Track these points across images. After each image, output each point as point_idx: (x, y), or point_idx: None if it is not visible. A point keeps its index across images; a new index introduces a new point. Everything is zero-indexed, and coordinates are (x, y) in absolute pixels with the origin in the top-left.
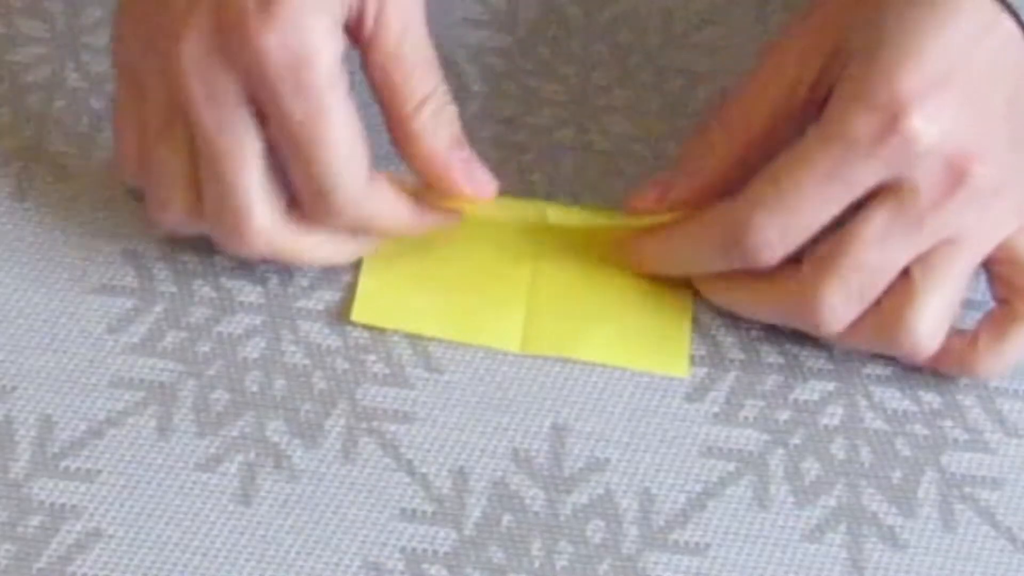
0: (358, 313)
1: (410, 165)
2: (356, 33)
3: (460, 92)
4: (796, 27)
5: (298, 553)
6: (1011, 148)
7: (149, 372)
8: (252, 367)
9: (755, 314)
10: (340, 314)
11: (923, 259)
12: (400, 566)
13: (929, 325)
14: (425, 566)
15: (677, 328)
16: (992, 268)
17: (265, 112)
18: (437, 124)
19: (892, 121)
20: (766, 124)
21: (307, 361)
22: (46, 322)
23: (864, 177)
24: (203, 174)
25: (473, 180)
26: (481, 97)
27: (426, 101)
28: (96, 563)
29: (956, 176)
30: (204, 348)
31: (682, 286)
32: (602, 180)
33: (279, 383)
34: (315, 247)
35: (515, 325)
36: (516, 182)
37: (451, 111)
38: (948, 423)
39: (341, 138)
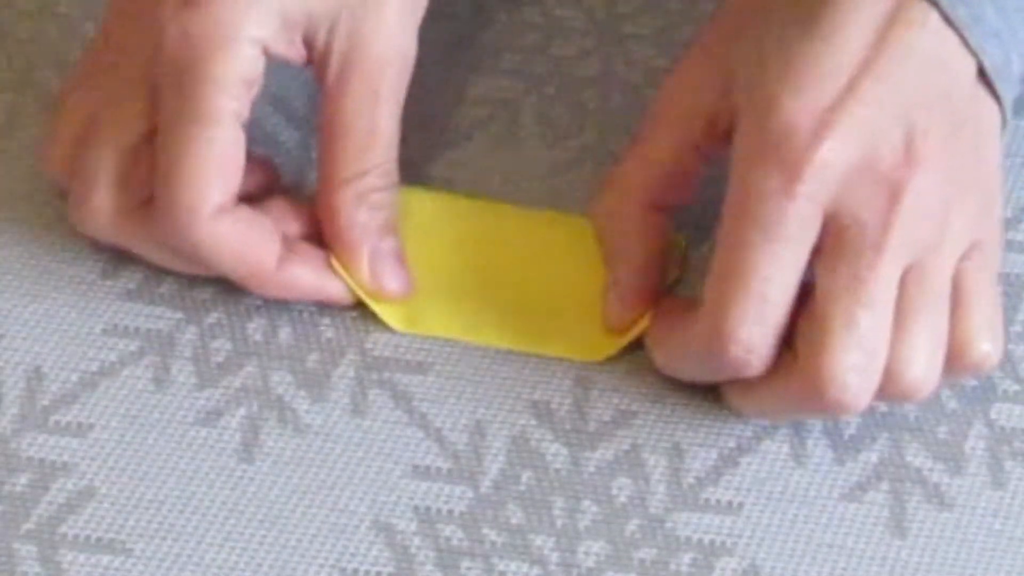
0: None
1: (323, 236)
2: (318, 76)
3: (482, 19)
4: (688, 57)
5: (304, 513)
6: (949, 139)
7: (145, 320)
8: (255, 314)
9: (780, 417)
10: None
11: (901, 294)
12: (412, 526)
13: (922, 360)
14: (439, 526)
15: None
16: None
17: (155, 98)
18: (361, 204)
19: (797, 163)
20: (670, 168)
21: (313, 308)
22: (35, 267)
23: (802, 226)
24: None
25: (378, 276)
26: (500, 24)
27: (359, 178)
28: (88, 523)
29: (890, 195)
30: (204, 294)
31: None
32: (627, 112)
33: (284, 331)
34: (154, 251)
35: (479, 317)
36: (537, 115)
37: (385, 198)
38: (998, 374)
39: (200, 152)
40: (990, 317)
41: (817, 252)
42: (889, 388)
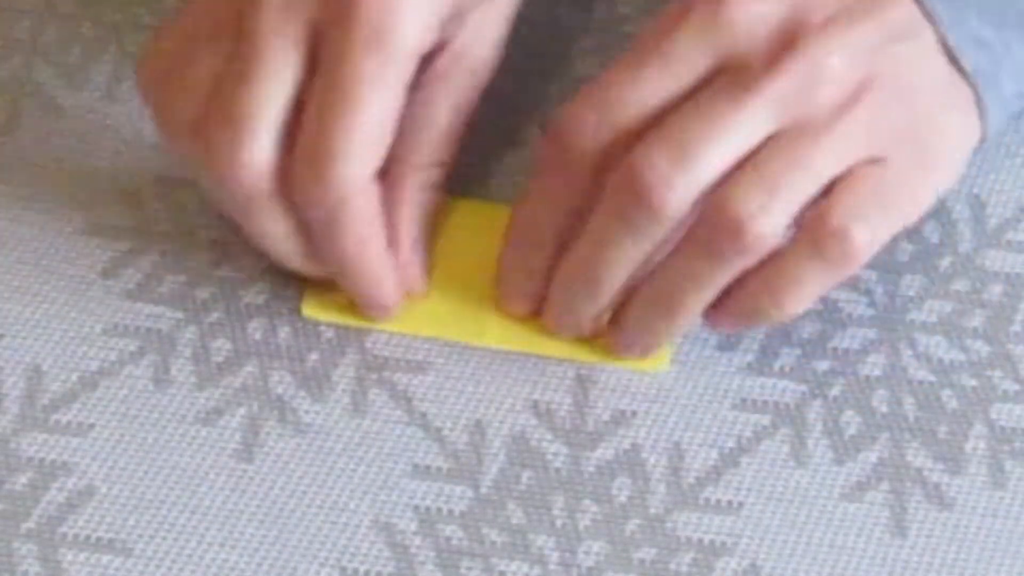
0: (308, 307)
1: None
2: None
3: None
4: None
5: (304, 512)
6: (867, 49)
7: (146, 319)
8: (255, 313)
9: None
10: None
11: (759, 150)
12: (413, 526)
13: (752, 200)
14: (439, 526)
15: None
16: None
17: (320, 57)
18: (424, 193)
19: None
20: None
21: None
22: (35, 266)
23: (687, 53)
24: (224, 79)
25: (411, 263)
26: None
27: (431, 168)
28: (89, 522)
29: (785, 45)
30: (204, 294)
31: None
32: None
33: (284, 331)
34: (282, 232)
35: (480, 319)
36: (537, 113)
37: (433, 195)
38: (998, 373)
39: (376, 114)
40: (865, 208)
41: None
42: (710, 214)
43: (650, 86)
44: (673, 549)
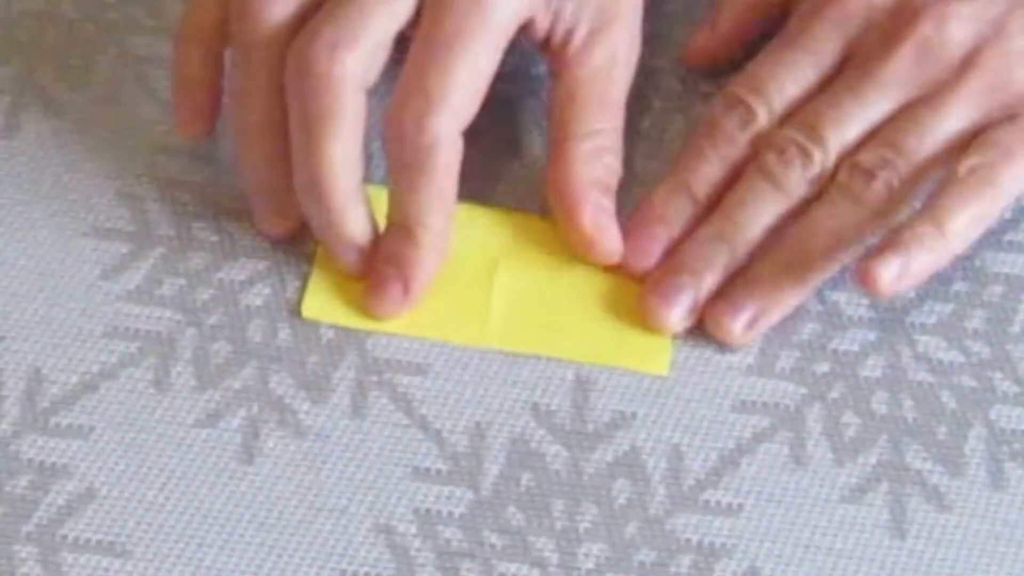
0: (308, 308)
1: (549, 192)
2: (555, 48)
3: None
4: None
5: (304, 515)
6: (988, 7)
7: (145, 321)
8: (255, 315)
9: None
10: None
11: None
12: (413, 528)
13: (878, 159)
14: (439, 528)
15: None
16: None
17: (425, 3)
18: (593, 159)
19: None
20: None
21: None
22: (36, 268)
23: (823, 42)
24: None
25: (599, 228)
26: None
27: (593, 135)
28: (89, 525)
29: (902, 26)
30: (204, 295)
31: None
32: (626, 113)
33: (284, 333)
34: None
35: (481, 321)
36: (536, 118)
37: (613, 161)
38: (998, 375)
39: (472, 71)
40: (1006, 142)
41: None
42: (844, 168)
43: (796, 74)
44: (673, 551)
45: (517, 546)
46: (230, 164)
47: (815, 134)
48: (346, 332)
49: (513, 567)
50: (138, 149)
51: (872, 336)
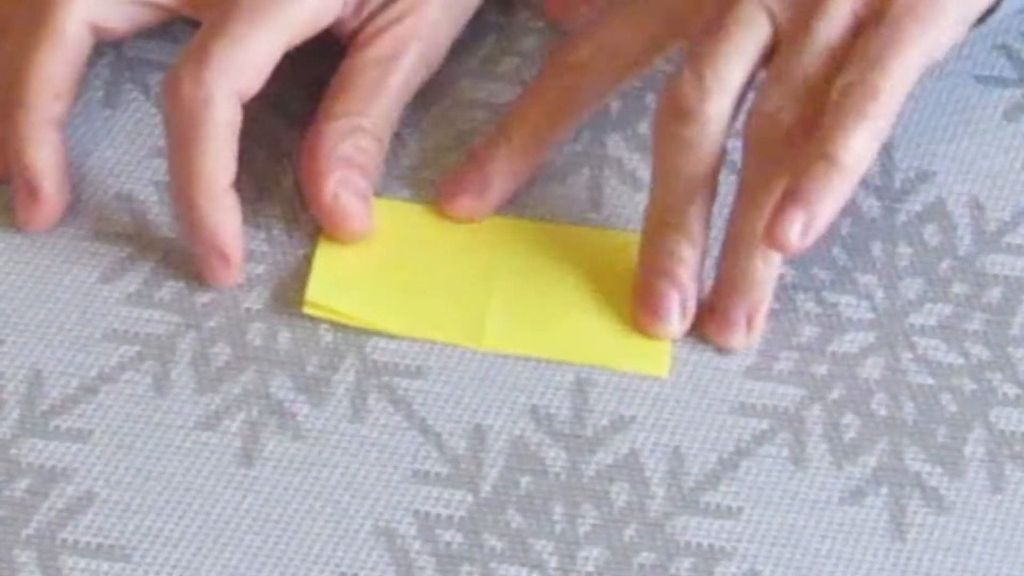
0: (310, 306)
1: (298, 166)
2: (350, 36)
3: (479, 23)
4: None
5: (304, 517)
6: None
7: (145, 324)
8: (254, 319)
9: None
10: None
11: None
12: (412, 531)
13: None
14: (439, 531)
15: None
16: None
17: None
18: (345, 137)
19: None
20: None
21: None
22: (35, 271)
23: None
24: None
25: (339, 202)
26: (498, 29)
27: (352, 116)
28: (89, 528)
29: None
30: (204, 299)
31: None
32: (625, 116)
33: (283, 336)
34: None
35: (476, 321)
36: None
37: (372, 147)
38: (997, 377)
39: (263, 48)
40: (877, 60)
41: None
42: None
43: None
44: (672, 554)
45: (517, 549)
46: None
47: (698, 82)
48: (345, 335)
49: (513, 570)
50: (136, 152)
51: (871, 338)
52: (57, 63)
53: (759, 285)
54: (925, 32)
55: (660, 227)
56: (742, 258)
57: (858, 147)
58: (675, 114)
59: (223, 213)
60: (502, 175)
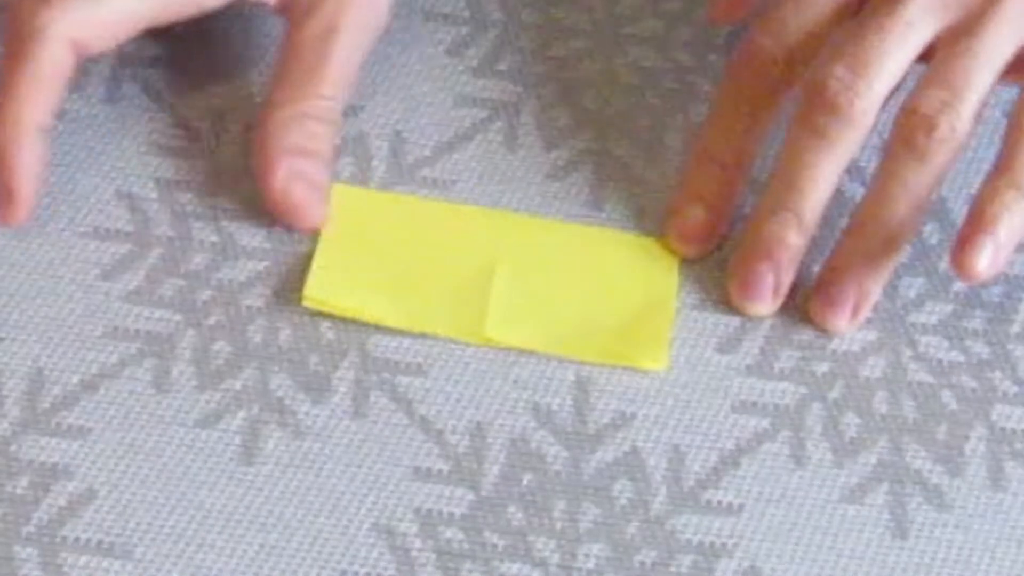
0: (309, 300)
1: (252, 156)
2: (285, 11)
3: (478, 21)
4: None
5: (304, 515)
6: None
7: (145, 322)
8: (255, 316)
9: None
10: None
11: (934, 50)
12: (414, 528)
13: (938, 102)
14: (440, 528)
15: (654, 319)
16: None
17: None
18: (291, 125)
19: None
20: None
21: (314, 310)
22: (35, 269)
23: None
24: None
25: (289, 193)
26: (500, 26)
27: (297, 102)
28: (89, 526)
29: None
30: (204, 296)
31: (663, 273)
32: (627, 114)
33: (284, 333)
34: None
35: (477, 316)
36: (537, 116)
37: (323, 131)
38: (998, 375)
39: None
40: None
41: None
42: (903, 117)
43: (813, 10)
44: (673, 551)
45: (518, 546)
46: (230, 164)
47: (857, 76)
48: (346, 332)
49: (514, 567)
50: (137, 149)
51: (872, 336)
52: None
53: (877, 272)
54: None
55: (775, 208)
56: (868, 243)
57: None
58: (823, 107)
59: (21, 151)
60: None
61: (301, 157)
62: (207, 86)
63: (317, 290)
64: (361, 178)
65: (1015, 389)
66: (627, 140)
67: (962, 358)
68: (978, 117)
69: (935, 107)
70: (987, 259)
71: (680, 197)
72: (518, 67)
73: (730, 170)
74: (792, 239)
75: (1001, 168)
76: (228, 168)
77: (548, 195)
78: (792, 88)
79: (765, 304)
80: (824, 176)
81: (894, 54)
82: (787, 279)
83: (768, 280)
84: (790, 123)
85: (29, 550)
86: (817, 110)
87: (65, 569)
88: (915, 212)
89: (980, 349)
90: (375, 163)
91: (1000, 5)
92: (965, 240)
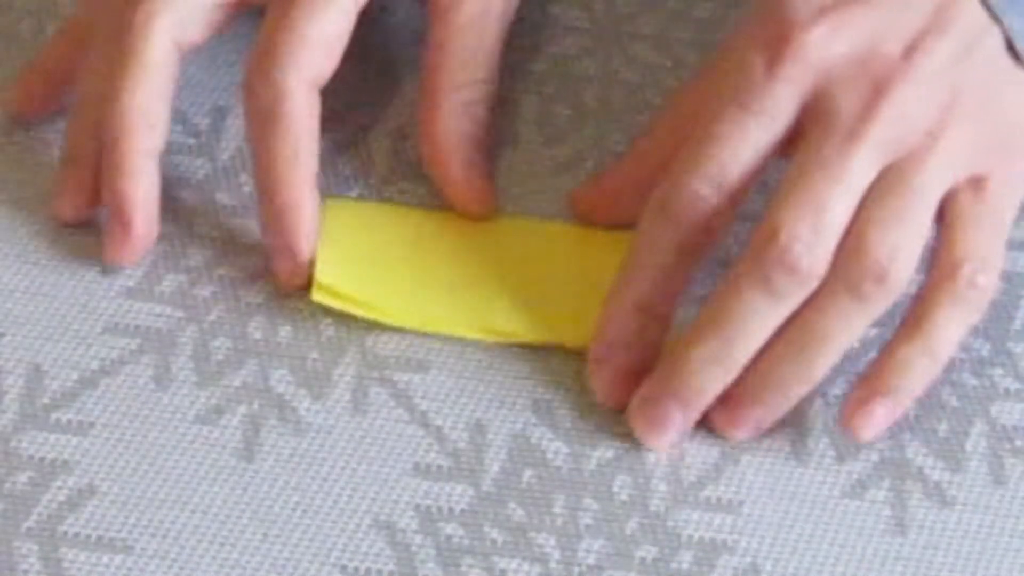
0: (318, 293)
1: (421, 147)
2: (432, 4)
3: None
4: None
5: (304, 511)
6: (956, 64)
7: (145, 318)
8: (255, 312)
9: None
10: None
11: (876, 185)
12: (414, 524)
13: (888, 242)
14: (440, 524)
15: None
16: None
17: None
18: (462, 114)
19: (783, 44)
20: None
21: (314, 306)
22: (35, 265)
23: (776, 105)
24: None
25: (469, 183)
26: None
27: (461, 88)
28: (89, 521)
29: (876, 88)
30: (204, 292)
31: None
32: (627, 112)
33: (284, 329)
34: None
35: (484, 314)
36: (536, 114)
37: (484, 114)
38: (998, 372)
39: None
40: (981, 245)
41: (793, 141)
42: (852, 262)
43: (748, 144)
44: (674, 547)
45: (518, 542)
46: (230, 162)
47: (817, 236)
48: (346, 329)
49: (514, 563)
50: None
51: (872, 332)
52: (149, 94)
53: (788, 398)
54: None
55: (704, 357)
56: (783, 368)
57: (954, 337)
58: (781, 267)
59: (303, 207)
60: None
61: (472, 146)
62: (207, 82)
63: (328, 278)
64: None
65: (1016, 386)
66: (627, 137)
67: (962, 355)
68: (916, 257)
69: (886, 254)
70: (880, 425)
71: (606, 346)
72: (518, 64)
73: (662, 319)
74: (715, 392)
75: (912, 331)
76: (228, 166)
77: (549, 192)
78: (728, 225)
79: (665, 440)
80: (767, 328)
81: (846, 202)
82: (691, 422)
83: (676, 420)
84: (733, 267)
85: (29, 545)
86: (775, 267)
87: (65, 564)
88: (840, 347)
89: (980, 346)
90: None
91: (943, 139)
92: (862, 402)
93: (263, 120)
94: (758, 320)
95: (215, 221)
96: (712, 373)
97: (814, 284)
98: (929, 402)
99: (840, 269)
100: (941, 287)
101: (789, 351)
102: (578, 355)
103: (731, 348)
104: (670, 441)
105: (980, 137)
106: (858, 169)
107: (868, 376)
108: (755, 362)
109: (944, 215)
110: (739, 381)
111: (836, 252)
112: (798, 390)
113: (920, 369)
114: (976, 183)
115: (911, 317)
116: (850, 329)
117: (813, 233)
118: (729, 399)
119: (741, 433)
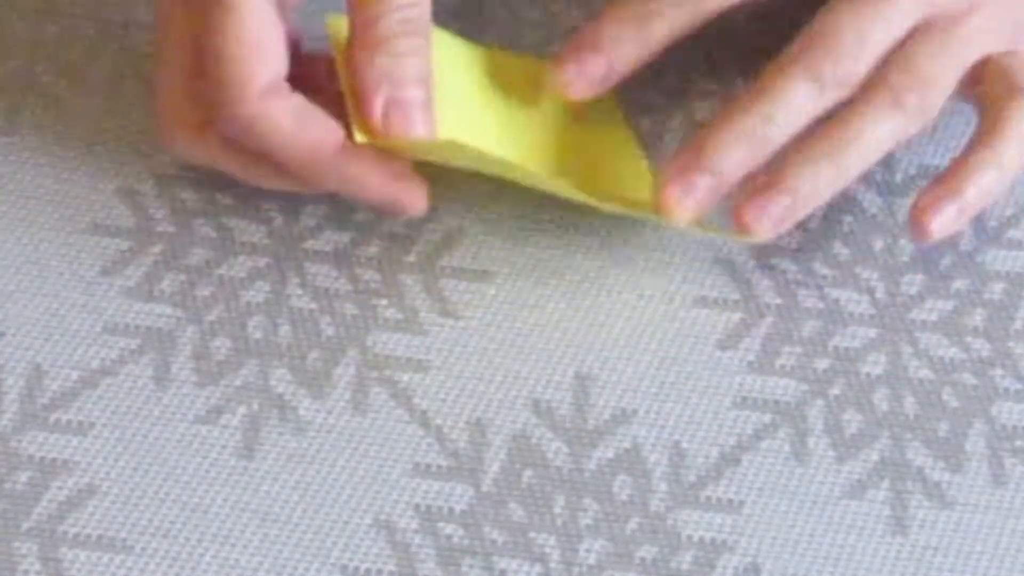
0: (359, 135)
1: (351, 75)
2: None
3: (480, 19)
4: None
5: (304, 511)
6: None
7: (146, 318)
8: (256, 312)
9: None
10: (350, 255)
11: (915, 31)
12: (414, 524)
13: (934, 67)
14: (440, 524)
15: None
16: (976, 90)
17: None
18: (378, 49)
19: None
20: None
21: (314, 306)
22: (35, 265)
23: None
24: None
25: (389, 124)
26: (500, 23)
27: (377, 20)
28: (89, 521)
29: None
30: (204, 292)
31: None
32: (627, 109)
33: (284, 329)
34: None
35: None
36: None
37: (410, 44)
38: (998, 372)
39: (235, 34)
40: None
41: None
42: (898, 71)
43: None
44: (674, 547)
45: (518, 542)
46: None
47: (852, 34)
48: (346, 328)
49: (514, 563)
50: (138, 145)
51: (873, 333)
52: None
53: (818, 193)
54: None
55: (737, 126)
56: (815, 164)
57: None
58: (828, 58)
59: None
60: None
61: (396, 83)
62: None
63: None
64: None
65: (1016, 386)
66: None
67: (963, 355)
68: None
69: (931, 71)
70: (947, 225)
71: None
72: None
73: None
74: (743, 166)
75: (984, 142)
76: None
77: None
78: None
79: (685, 206)
80: (803, 116)
81: (888, 31)
82: (715, 196)
83: (701, 188)
84: (777, 59)
85: (29, 545)
86: (823, 58)
87: (65, 564)
88: (870, 153)
89: (981, 346)
90: None
91: (981, 10)
92: (933, 200)
93: (251, 146)
94: (797, 104)
95: (215, 221)
96: (745, 146)
97: (855, 84)
98: (929, 402)
99: (885, 77)
100: (1011, 106)
101: (825, 145)
102: (578, 355)
103: (767, 126)
104: (690, 208)
105: (1016, 14)
106: (901, 8)
107: (940, 178)
108: (788, 154)
109: (982, 76)
110: (770, 169)
111: (880, 65)
112: (829, 184)
113: (990, 177)
114: (1011, 55)
115: (982, 132)
116: (884, 137)
117: (858, 42)
118: (757, 189)
119: (763, 225)
